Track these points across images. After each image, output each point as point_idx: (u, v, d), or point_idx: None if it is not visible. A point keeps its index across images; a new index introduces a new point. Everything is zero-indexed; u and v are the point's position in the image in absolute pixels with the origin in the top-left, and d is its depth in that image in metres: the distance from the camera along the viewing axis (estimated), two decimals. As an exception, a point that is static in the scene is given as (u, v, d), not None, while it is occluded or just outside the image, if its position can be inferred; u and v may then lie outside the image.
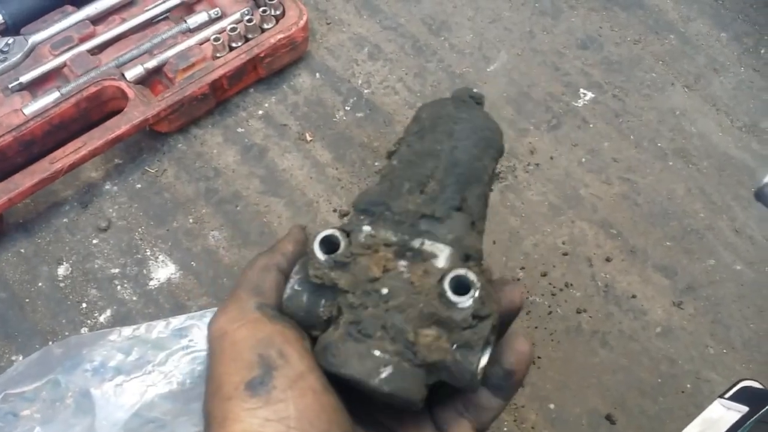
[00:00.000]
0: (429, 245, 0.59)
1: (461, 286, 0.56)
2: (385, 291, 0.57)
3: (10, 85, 1.07)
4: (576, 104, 1.18)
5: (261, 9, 1.13)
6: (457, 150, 0.63)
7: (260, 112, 1.15)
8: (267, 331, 0.53)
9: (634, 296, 1.03)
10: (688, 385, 0.98)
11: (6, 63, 1.08)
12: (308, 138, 1.13)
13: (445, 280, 0.56)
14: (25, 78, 1.08)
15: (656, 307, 1.03)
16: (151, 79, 1.10)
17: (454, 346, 0.56)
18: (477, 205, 0.63)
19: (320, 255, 0.58)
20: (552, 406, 0.95)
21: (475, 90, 0.67)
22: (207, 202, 1.08)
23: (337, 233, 0.58)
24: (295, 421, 0.48)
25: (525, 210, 1.09)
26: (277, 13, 1.14)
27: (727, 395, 0.90)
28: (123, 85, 1.06)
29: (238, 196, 1.09)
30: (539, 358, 0.98)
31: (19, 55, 1.09)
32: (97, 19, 1.14)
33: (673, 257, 1.06)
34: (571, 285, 1.03)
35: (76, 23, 1.12)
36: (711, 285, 1.05)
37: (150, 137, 1.12)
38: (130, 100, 1.05)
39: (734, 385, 0.92)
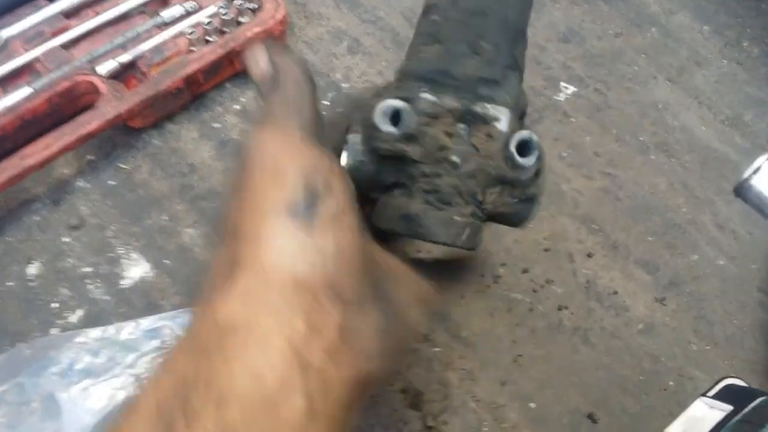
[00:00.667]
0: (491, 108, 0.62)
1: (525, 148, 0.62)
2: (454, 158, 0.61)
3: (-21, 81, 1.05)
4: (557, 98, 1.17)
5: (237, 2, 1.11)
6: (507, 6, 0.65)
7: (237, 106, 1.13)
8: (314, 157, 0.49)
9: (615, 292, 1.02)
10: (671, 383, 0.96)
11: (-25, 57, 1.06)
12: (286, 133, 1.11)
13: (511, 143, 0.61)
14: (-4, 73, 1.05)
15: (638, 303, 1.01)
16: (125, 74, 1.08)
17: (516, 200, 0.64)
18: (523, 61, 0.66)
19: (388, 127, 0.59)
20: (533, 405, 0.94)
21: None
22: (182, 199, 1.06)
23: (404, 106, 0.59)
24: (333, 256, 0.45)
25: (506, 205, 1.07)
26: (254, 6, 1.12)
27: (710, 393, 0.89)
28: (96, 80, 1.04)
29: (213, 193, 1.06)
30: (520, 356, 0.97)
31: (-12, 50, 1.07)
32: (71, 13, 1.12)
33: (655, 252, 1.05)
34: (553, 281, 1.02)
35: (49, 17, 1.10)
36: (694, 280, 1.03)
37: (124, 133, 1.10)
38: (103, 95, 1.03)
39: (717, 382, 0.91)
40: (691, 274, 1.04)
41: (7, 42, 1.09)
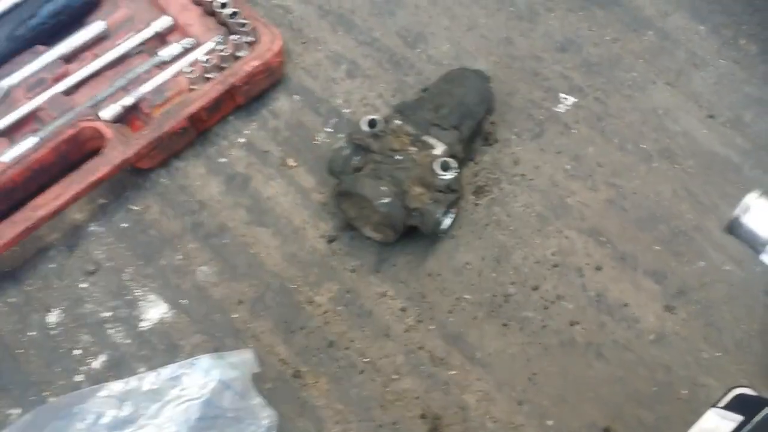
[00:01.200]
0: (433, 141, 1.04)
1: (446, 166, 1.01)
2: (398, 158, 1.02)
3: (-14, 133, 1.06)
4: (557, 110, 1.17)
5: (233, 36, 1.11)
6: (465, 96, 1.09)
7: (241, 140, 1.15)
8: None
9: (626, 304, 1.03)
10: (685, 392, 0.98)
11: (-20, 110, 1.07)
12: (291, 164, 1.13)
13: (437, 160, 1.02)
14: (1, 124, 1.06)
15: (648, 313, 1.03)
16: (128, 116, 1.09)
17: (430, 201, 1.00)
18: (467, 130, 1.07)
19: (365, 127, 1.03)
20: (550, 422, 0.96)
21: (484, 71, 1.14)
22: (194, 237, 1.08)
23: (379, 117, 1.04)
24: None
25: (512, 223, 1.09)
26: (251, 39, 1.12)
27: (721, 404, 0.91)
28: (100, 125, 1.05)
29: (224, 229, 1.08)
30: (535, 374, 0.99)
31: (-8, 101, 1.08)
32: (70, 57, 1.13)
33: (663, 261, 1.06)
34: (563, 297, 1.04)
35: (49, 63, 1.11)
36: (702, 287, 1.05)
37: (132, 174, 1.11)
38: (109, 140, 1.04)
39: (728, 392, 0.92)
40: (699, 281, 1.05)
41: (9, 91, 1.10)
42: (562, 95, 1.18)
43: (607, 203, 1.10)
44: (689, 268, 1.06)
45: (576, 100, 1.18)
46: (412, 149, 1.03)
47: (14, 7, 1.16)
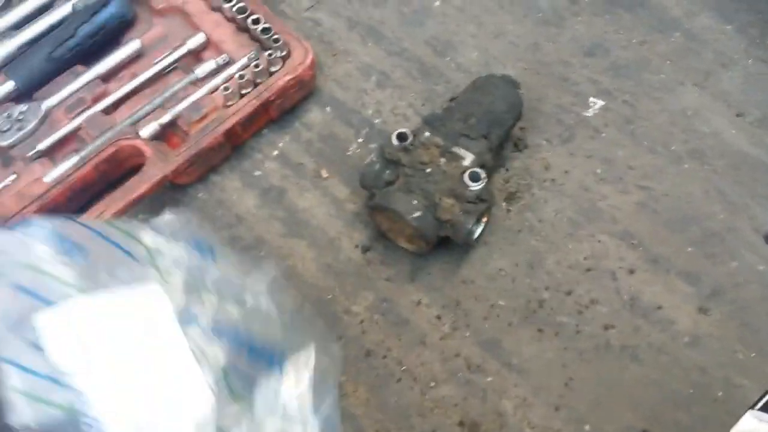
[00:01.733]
0: (462, 152, 1.05)
1: (475, 177, 1.02)
2: (428, 170, 1.04)
3: (28, 154, 1.09)
4: (586, 114, 1.18)
5: (267, 52, 1.14)
6: (493, 104, 1.10)
7: (275, 152, 1.17)
8: None
9: (660, 307, 1.04)
10: (720, 393, 0.99)
11: (23, 131, 1.10)
12: (324, 175, 1.15)
13: (467, 171, 1.03)
14: (42, 145, 1.10)
15: (683, 315, 1.04)
16: (166, 133, 1.12)
17: (461, 212, 1.02)
18: (496, 139, 1.09)
19: (395, 141, 1.05)
20: (587, 427, 0.97)
21: (512, 76, 1.14)
22: (232, 250, 1.10)
23: (408, 131, 1.06)
24: None
25: (544, 229, 1.10)
26: (283, 54, 1.14)
27: (758, 406, 0.92)
28: (139, 143, 1.08)
29: (261, 241, 1.11)
30: (571, 379, 1.00)
31: (34, 122, 1.11)
32: (108, 76, 1.16)
33: (695, 263, 1.07)
34: (597, 301, 1.05)
35: (88, 83, 1.14)
36: (735, 288, 1.05)
37: (170, 189, 1.14)
38: (148, 158, 1.07)
39: (765, 394, 0.93)
40: (733, 282, 1.06)
41: (49, 113, 1.13)
42: (591, 99, 1.19)
43: (638, 206, 1.11)
44: (722, 269, 1.07)
45: (604, 103, 1.19)
46: (442, 161, 1.05)
47: (51, 29, 1.19)
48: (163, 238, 0.76)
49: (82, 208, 1.06)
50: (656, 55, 1.23)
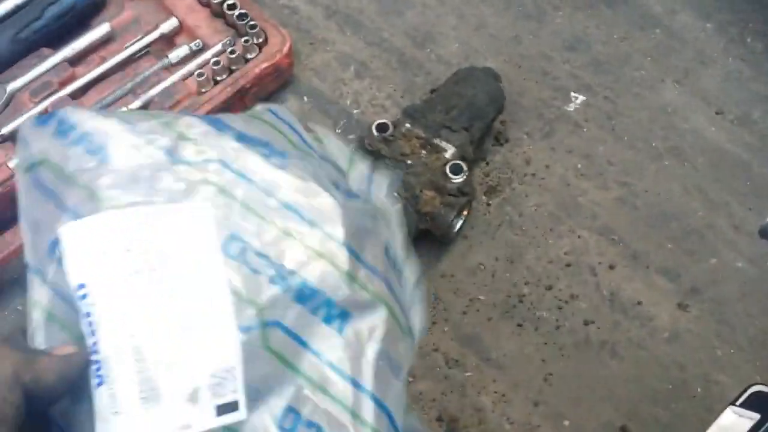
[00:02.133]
0: (443, 144, 1.03)
1: (456, 170, 1.00)
2: (409, 162, 1.01)
3: (-7, 138, 1.05)
4: (568, 108, 1.17)
5: (243, 39, 1.11)
6: (475, 97, 1.07)
7: (250, 142, 1.14)
8: None
9: (639, 302, 1.03)
10: (699, 389, 0.99)
11: (-14, 115, 1.06)
12: (301, 165, 1.12)
13: (448, 163, 1.01)
14: (6, 129, 1.05)
15: (662, 312, 1.03)
16: (136, 119, 1.08)
17: (441, 205, 0.99)
18: (477, 131, 1.06)
19: (375, 132, 1.03)
20: (566, 422, 0.96)
21: (493, 69, 1.12)
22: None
23: (389, 122, 1.03)
24: None
25: (524, 223, 1.08)
26: (260, 41, 1.12)
27: (739, 402, 0.91)
28: (109, 129, 1.04)
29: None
30: (551, 374, 0.99)
31: (-2, 106, 1.07)
32: (76, 60, 1.11)
33: (675, 259, 1.07)
34: (577, 296, 1.04)
35: (54, 66, 1.10)
36: (714, 285, 1.05)
37: (141, 177, 1.10)
38: (118, 144, 1.03)
39: (745, 390, 0.93)
40: (712, 279, 1.05)
41: (13, 95, 1.08)
42: (572, 94, 1.18)
43: (618, 202, 1.10)
44: (701, 265, 1.06)
45: (585, 98, 1.18)
46: (423, 153, 1.03)
47: (17, 10, 1.14)
48: (221, 138, 0.59)
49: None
50: (637, 52, 1.22)
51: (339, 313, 0.57)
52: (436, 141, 1.04)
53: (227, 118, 0.62)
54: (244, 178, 0.57)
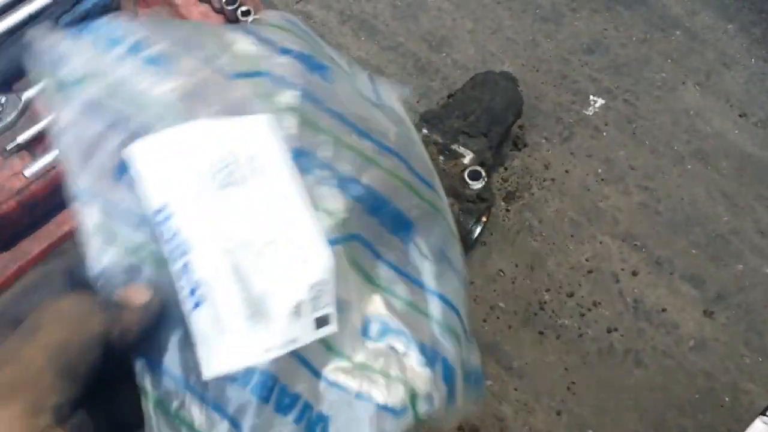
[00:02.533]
0: (461, 149, 1.02)
1: (475, 176, 0.99)
2: None
3: (8, 147, 1.04)
4: (587, 112, 1.15)
5: (257, 44, 1.10)
6: (493, 102, 1.06)
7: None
8: None
9: (664, 309, 1.01)
10: (727, 399, 0.96)
11: (2, 124, 1.05)
12: (317, 172, 1.11)
13: (467, 169, 0.99)
14: (22, 138, 1.04)
15: (687, 319, 1.01)
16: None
17: (460, 211, 0.98)
18: (496, 137, 1.05)
19: None
20: (591, 433, 0.94)
21: (511, 73, 1.11)
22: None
23: None
24: None
25: (544, 229, 1.06)
26: (274, 46, 1.10)
27: (769, 411, 0.89)
28: (123, 136, 1.03)
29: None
30: (574, 383, 0.96)
31: (13, 114, 1.06)
32: (90, 68, 1.11)
33: (700, 265, 1.04)
34: (600, 303, 1.01)
35: (69, 74, 1.09)
36: (741, 291, 1.02)
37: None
38: (133, 152, 1.02)
39: (775, 399, 0.90)
40: (738, 285, 1.03)
41: (29, 104, 1.07)
42: (592, 97, 1.16)
43: (640, 207, 1.08)
44: (727, 271, 1.04)
45: (605, 102, 1.16)
46: (441, 159, 1.02)
47: (30, 19, 1.14)
48: (275, 53, 0.56)
49: (63, 203, 1.01)
50: (657, 54, 1.20)
51: (405, 223, 0.56)
52: (454, 147, 1.02)
53: (265, 31, 0.61)
54: (300, 89, 0.56)
